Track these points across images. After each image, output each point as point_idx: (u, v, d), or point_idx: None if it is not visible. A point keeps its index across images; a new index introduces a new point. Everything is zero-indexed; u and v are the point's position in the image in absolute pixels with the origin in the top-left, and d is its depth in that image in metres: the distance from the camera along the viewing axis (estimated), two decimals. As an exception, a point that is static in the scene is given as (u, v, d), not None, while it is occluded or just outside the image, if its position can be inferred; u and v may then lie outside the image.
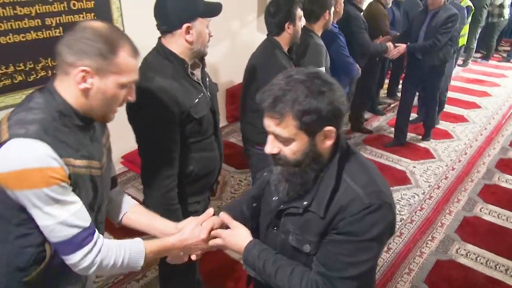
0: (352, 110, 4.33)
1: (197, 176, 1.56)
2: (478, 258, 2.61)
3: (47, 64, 2.70)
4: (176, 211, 1.50)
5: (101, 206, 1.21)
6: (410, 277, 2.44)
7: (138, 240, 1.15)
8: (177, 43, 1.43)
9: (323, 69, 2.42)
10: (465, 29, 4.62)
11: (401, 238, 2.77)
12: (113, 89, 1.04)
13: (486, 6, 6.28)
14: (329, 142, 1.00)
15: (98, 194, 1.14)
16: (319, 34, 2.46)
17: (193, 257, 1.28)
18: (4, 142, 0.94)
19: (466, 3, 4.54)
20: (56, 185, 0.97)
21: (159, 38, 1.50)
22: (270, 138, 1.01)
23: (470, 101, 5.33)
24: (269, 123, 0.98)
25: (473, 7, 4.76)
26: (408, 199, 3.20)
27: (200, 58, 1.55)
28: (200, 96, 1.48)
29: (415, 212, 3.05)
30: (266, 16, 2.15)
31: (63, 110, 1.02)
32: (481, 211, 3.11)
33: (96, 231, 1.07)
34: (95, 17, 2.81)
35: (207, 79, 1.59)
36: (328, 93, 0.94)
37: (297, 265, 1.07)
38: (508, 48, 7.88)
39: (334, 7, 2.60)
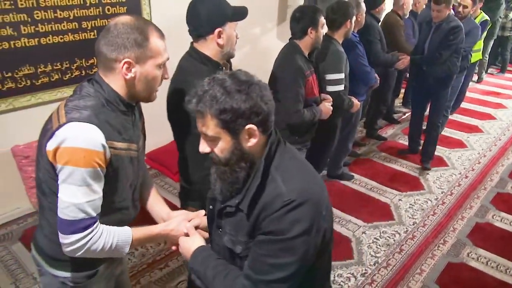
0: (367, 118, 4.43)
1: None
2: (489, 262, 2.67)
3: (81, 64, 2.87)
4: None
5: (137, 185, 1.32)
6: (422, 277, 2.52)
7: (126, 228, 1.21)
8: (210, 47, 1.55)
9: (342, 75, 2.54)
10: (479, 45, 4.65)
11: (413, 240, 2.84)
12: (152, 71, 1.16)
13: (500, 18, 6.24)
14: (253, 140, 0.99)
15: (135, 174, 1.26)
16: (340, 41, 2.59)
17: (173, 248, 1.30)
18: (63, 124, 1.07)
19: (482, 17, 4.58)
20: (93, 168, 1.07)
21: (191, 43, 1.62)
22: (202, 137, 1.04)
23: (485, 113, 5.37)
24: (197, 123, 1.01)
25: (490, 21, 4.80)
26: (421, 204, 3.27)
27: (228, 59, 1.68)
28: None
29: (428, 217, 3.12)
30: (291, 21, 2.30)
31: (110, 98, 1.15)
32: (493, 218, 3.17)
33: (98, 221, 1.14)
34: (127, 22, 2.99)
35: None
36: (245, 91, 0.95)
37: (232, 269, 1.05)
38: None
39: (356, 17, 2.72)
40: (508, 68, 7.51)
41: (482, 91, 6.26)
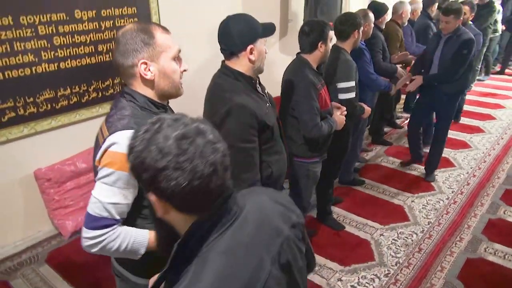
0: (372, 124, 4.53)
1: (275, 177, 1.74)
2: (506, 256, 2.74)
3: (98, 87, 2.96)
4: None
5: None
6: (443, 274, 2.58)
7: (144, 230, 1.24)
8: (242, 63, 1.62)
9: (353, 83, 2.64)
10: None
11: (430, 239, 2.91)
12: (169, 65, 1.21)
13: (490, 26, 6.08)
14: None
15: None
16: (349, 51, 2.69)
17: None
18: (106, 137, 1.14)
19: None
20: (126, 173, 1.11)
21: (223, 62, 1.70)
22: None
23: (485, 113, 5.50)
24: None
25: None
26: (433, 204, 3.34)
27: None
28: (267, 106, 1.68)
29: (442, 216, 3.19)
30: (300, 35, 2.36)
31: (143, 103, 1.21)
32: (504, 213, 3.24)
33: (119, 224, 1.18)
34: (139, 43, 3.10)
35: (266, 91, 1.79)
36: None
37: None
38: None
39: (363, 27, 2.83)
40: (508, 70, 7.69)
41: (480, 93, 6.40)
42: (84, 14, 2.75)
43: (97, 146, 1.20)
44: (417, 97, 3.93)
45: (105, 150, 1.13)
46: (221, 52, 1.68)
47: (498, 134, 4.80)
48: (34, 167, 2.78)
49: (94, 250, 1.17)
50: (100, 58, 2.93)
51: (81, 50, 2.80)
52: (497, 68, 7.80)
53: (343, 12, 4.64)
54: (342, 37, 2.65)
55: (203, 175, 0.74)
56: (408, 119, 3.78)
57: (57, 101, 2.77)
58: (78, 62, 2.81)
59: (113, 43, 2.96)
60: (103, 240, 1.15)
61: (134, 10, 3.02)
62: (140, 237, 1.22)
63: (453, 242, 2.89)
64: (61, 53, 2.71)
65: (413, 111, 3.85)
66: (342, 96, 2.61)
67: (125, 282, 1.36)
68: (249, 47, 1.58)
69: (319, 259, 2.69)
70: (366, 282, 2.51)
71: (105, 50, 2.93)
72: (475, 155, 4.25)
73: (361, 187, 3.63)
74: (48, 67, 2.67)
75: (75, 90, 2.85)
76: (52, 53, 2.66)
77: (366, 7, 3.77)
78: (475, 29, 4.16)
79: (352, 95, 2.61)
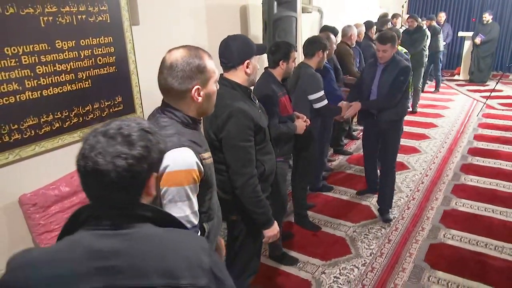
0: (332, 136, 4.91)
1: (267, 174, 1.96)
2: (462, 239, 3.13)
3: (78, 112, 3.06)
4: (263, 200, 1.86)
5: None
6: (412, 258, 2.91)
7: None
8: (239, 76, 1.87)
9: (322, 92, 2.97)
10: None
11: (397, 231, 3.25)
12: (213, 88, 1.41)
13: (424, 49, 6.49)
14: None
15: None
16: (314, 68, 3.04)
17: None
18: None
19: (401, 49, 4.71)
20: (193, 184, 1.29)
21: (221, 75, 1.91)
22: None
23: (428, 122, 6.11)
24: None
25: (408, 53, 4.98)
26: (395, 201, 3.69)
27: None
28: (260, 111, 1.93)
29: (404, 211, 3.56)
30: (267, 53, 2.68)
31: (185, 121, 1.37)
32: (456, 204, 3.67)
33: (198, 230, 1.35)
34: (116, 70, 3.26)
35: (256, 100, 2.03)
36: None
37: None
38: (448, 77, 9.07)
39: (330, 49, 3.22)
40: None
41: (420, 104, 7.06)
42: (64, 44, 2.88)
43: None
44: (362, 135, 3.80)
45: (162, 172, 1.23)
46: (221, 65, 1.91)
47: (442, 139, 5.37)
48: (19, 193, 2.80)
49: None
50: (80, 85, 3.04)
51: (62, 78, 2.91)
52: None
53: (297, 36, 5.07)
54: (308, 55, 3.01)
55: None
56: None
57: (40, 127, 2.83)
58: (60, 89, 2.91)
59: (92, 70, 3.11)
60: None
61: (110, 39, 3.19)
62: None
63: (417, 231, 3.24)
64: (43, 81, 2.80)
65: (363, 144, 3.73)
66: (316, 105, 2.94)
67: None
68: (246, 62, 1.84)
69: (302, 257, 2.92)
70: (347, 272, 2.76)
71: (84, 77, 3.06)
72: (425, 158, 4.74)
73: (330, 193, 3.93)
74: (32, 95, 2.75)
75: (57, 116, 2.93)
76: (35, 81, 2.75)
77: (314, 33, 4.21)
78: (400, 53, 4.25)
79: (324, 102, 2.95)
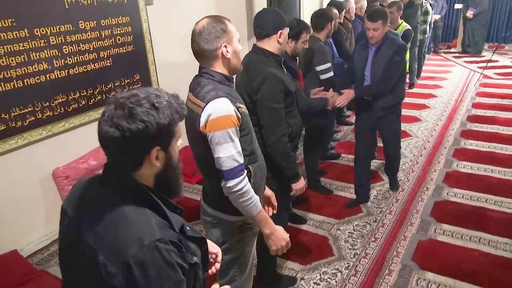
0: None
1: (294, 135, 2.17)
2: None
3: (102, 90, 3.24)
4: (292, 156, 2.07)
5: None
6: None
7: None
8: (271, 45, 2.03)
9: (329, 64, 3.15)
10: (406, 55, 4.43)
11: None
12: (238, 46, 1.60)
13: (418, 24, 6.26)
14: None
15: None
16: (323, 40, 3.21)
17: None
18: (204, 106, 1.48)
19: (404, 26, 4.50)
20: (234, 127, 1.49)
21: (254, 45, 2.09)
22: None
23: (427, 93, 6.31)
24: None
25: (412, 30, 4.61)
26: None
27: None
28: (288, 77, 2.12)
29: (409, 174, 3.79)
30: None
31: (220, 79, 1.58)
32: (457, 166, 3.91)
33: (245, 170, 1.52)
34: (134, 48, 3.42)
35: (284, 68, 2.20)
36: None
37: None
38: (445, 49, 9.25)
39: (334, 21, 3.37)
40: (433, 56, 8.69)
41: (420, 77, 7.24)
42: (87, 24, 3.04)
43: (196, 115, 1.50)
44: (355, 121, 3.37)
45: (207, 120, 1.46)
46: (255, 35, 2.07)
47: (441, 109, 5.60)
48: (52, 166, 3.01)
49: (236, 194, 1.51)
50: (102, 64, 3.22)
51: (86, 57, 3.08)
52: None
53: (301, 12, 5.21)
54: (318, 28, 3.17)
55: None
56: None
57: (68, 105, 3.02)
58: (84, 68, 3.08)
59: (112, 49, 3.27)
60: (244, 186, 1.50)
61: (128, 19, 3.34)
62: (259, 201, 1.58)
63: (422, 191, 3.49)
64: (69, 61, 2.97)
65: (356, 141, 3.31)
66: (322, 76, 3.11)
67: (220, 224, 1.71)
68: (279, 32, 2.02)
69: (318, 217, 3.16)
70: (360, 228, 3.00)
71: (105, 56, 3.23)
72: (426, 126, 4.96)
73: (338, 160, 4.16)
74: (60, 74, 2.92)
75: (83, 94, 3.11)
76: (62, 61, 2.93)
77: (315, 8, 4.34)
78: (393, 32, 3.51)
79: (330, 74, 3.13)
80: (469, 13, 8.58)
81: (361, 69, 3.02)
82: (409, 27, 4.52)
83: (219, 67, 1.59)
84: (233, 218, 1.69)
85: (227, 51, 1.55)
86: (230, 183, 1.51)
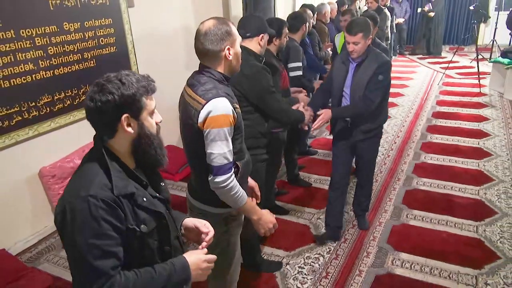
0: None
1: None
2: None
3: (86, 90, 3.29)
4: (295, 113, 2.47)
5: None
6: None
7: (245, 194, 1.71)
8: (253, 45, 2.21)
9: (300, 63, 3.35)
10: None
11: (377, 182, 3.70)
12: (238, 48, 1.72)
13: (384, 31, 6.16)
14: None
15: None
16: (298, 41, 3.41)
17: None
18: (205, 104, 1.58)
19: None
20: (230, 127, 1.60)
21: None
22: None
23: (395, 92, 6.65)
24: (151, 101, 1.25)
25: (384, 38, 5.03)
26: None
27: None
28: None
29: (381, 166, 4.04)
30: None
31: (219, 78, 1.68)
32: (425, 158, 4.20)
33: (233, 167, 1.62)
34: (116, 49, 3.50)
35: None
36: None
37: None
38: (410, 52, 9.75)
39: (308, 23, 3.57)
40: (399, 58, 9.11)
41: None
42: (71, 26, 3.10)
43: (194, 110, 1.60)
44: (332, 142, 2.98)
45: (206, 117, 1.55)
46: (240, 34, 2.20)
47: (409, 106, 5.94)
48: (38, 166, 3.04)
49: (224, 190, 1.61)
50: (86, 64, 3.28)
51: (70, 58, 3.14)
52: None
53: (275, 16, 5.41)
54: (294, 29, 3.36)
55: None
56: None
57: (54, 105, 3.07)
58: (69, 68, 3.14)
59: (95, 50, 3.33)
60: (231, 182, 1.60)
61: (110, 21, 3.42)
62: (244, 194, 1.69)
63: (394, 181, 3.74)
64: (55, 61, 3.02)
65: (333, 163, 2.95)
66: (292, 73, 3.29)
67: (207, 216, 1.71)
68: (261, 35, 2.20)
69: (299, 208, 3.33)
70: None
71: (89, 57, 3.29)
72: (395, 122, 5.25)
73: (315, 156, 4.36)
74: (45, 74, 2.97)
75: (68, 94, 3.17)
76: (48, 61, 2.97)
77: (288, 12, 4.53)
78: (382, 45, 3.78)
79: (299, 72, 3.32)
80: (426, 7, 9.10)
81: (339, 85, 2.70)
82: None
83: (220, 67, 1.68)
84: (219, 211, 1.78)
85: (229, 54, 1.65)
86: (218, 179, 1.61)
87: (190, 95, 1.66)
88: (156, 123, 1.25)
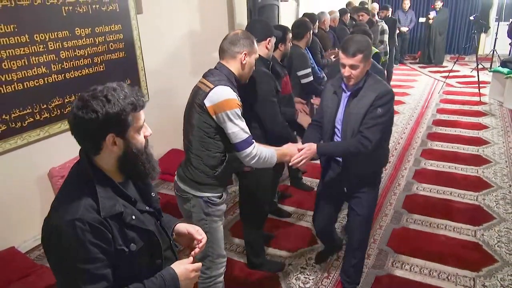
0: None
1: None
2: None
3: (95, 93, 3.39)
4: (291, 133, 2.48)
5: None
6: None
7: (271, 147, 1.95)
8: (261, 50, 2.31)
9: (309, 69, 3.44)
10: None
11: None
12: (253, 62, 1.95)
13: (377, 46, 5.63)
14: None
15: None
16: (303, 48, 3.50)
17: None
18: (213, 88, 1.78)
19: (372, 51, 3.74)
20: (239, 108, 1.80)
21: None
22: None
23: (396, 100, 6.72)
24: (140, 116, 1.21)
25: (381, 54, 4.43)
26: None
27: None
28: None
29: (382, 172, 4.10)
30: None
31: (229, 75, 1.89)
32: (425, 165, 4.28)
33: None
34: (125, 55, 3.60)
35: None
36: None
37: None
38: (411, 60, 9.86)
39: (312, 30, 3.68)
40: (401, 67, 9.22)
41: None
42: (82, 31, 3.20)
43: (202, 92, 1.81)
44: (317, 191, 2.58)
45: (216, 103, 1.76)
46: None
47: (409, 114, 6.04)
48: (48, 166, 3.13)
49: (254, 160, 1.84)
50: (96, 69, 3.38)
51: (81, 62, 3.24)
52: None
53: (279, 23, 5.52)
54: (298, 37, 3.46)
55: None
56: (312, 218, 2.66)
57: (64, 107, 3.16)
58: (80, 72, 3.24)
59: (105, 55, 3.43)
60: (258, 152, 1.83)
61: (120, 27, 3.53)
62: (270, 151, 1.91)
63: (394, 186, 3.81)
64: (66, 65, 3.12)
65: (315, 205, 2.54)
66: (303, 81, 3.39)
67: (189, 199, 1.91)
68: (268, 39, 2.33)
69: (301, 211, 3.40)
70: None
71: (99, 61, 3.39)
72: (396, 129, 5.33)
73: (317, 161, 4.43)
74: (57, 77, 3.07)
75: (78, 97, 3.25)
76: (60, 65, 3.07)
77: (291, 20, 4.64)
78: (375, 49, 3.61)
79: (310, 78, 3.41)
80: (430, 15, 9.30)
81: (330, 118, 2.19)
82: (377, 50, 4.16)
83: (233, 67, 1.90)
84: (199, 194, 1.90)
85: (244, 59, 1.89)
86: (245, 153, 1.81)
87: (202, 82, 1.87)
88: (145, 137, 1.21)
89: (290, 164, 2.08)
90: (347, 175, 2.24)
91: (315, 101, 3.08)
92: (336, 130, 2.21)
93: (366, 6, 7.39)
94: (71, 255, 1.04)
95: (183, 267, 1.27)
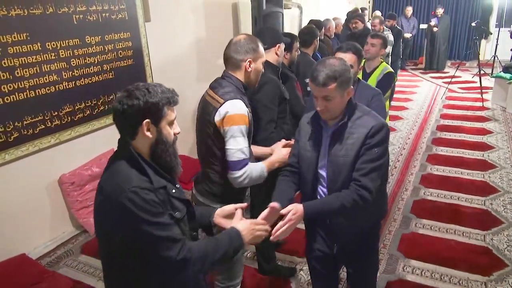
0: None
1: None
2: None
3: (104, 100, 3.41)
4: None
5: None
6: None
7: (259, 163, 1.86)
8: (270, 56, 2.32)
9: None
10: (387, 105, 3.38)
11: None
12: (260, 67, 1.87)
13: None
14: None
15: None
16: (311, 54, 3.54)
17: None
18: (223, 103, 1.74)
19: (384, 68, 3.26)
20: (245, 125, 1.75)
21: None
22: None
23: (400, 106, 6.78)
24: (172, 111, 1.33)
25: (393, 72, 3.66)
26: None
27: None
28: (283, 87, 2.39)
29: (389, 177, 4.11)
30: None
31: (238, 85, 1.84)
32: (431, 170, 4.29)
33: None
34: (133, 62, 3.63)
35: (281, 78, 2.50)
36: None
37: None
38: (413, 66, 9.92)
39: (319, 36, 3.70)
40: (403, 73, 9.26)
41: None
42: (92, 39, 3.24)
43: (213, 108, 1.76)
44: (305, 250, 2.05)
45: (224, 116, 1.71)
46: None
47: (413, 119, 6.06)
48: (58, 173, 3.14)
49: (245, 182, 1.77)
50: (105, 76, 3.41)
51: (91, 70, 3.27)
52: None
53: (284, 31, 5.57)
54: (306, 44, 3.49)
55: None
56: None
57: (75, 114, 3.18)
58: (90, 80, 3.27)
59: (114, 63, 3.47)
60: (249, 174, 1.75)
61: (128, 35, 3.56)
62: (260, 166, 1.84)
63: (401, 191, 3.82)
64: (76, 73, 3.15)
65: (311, 278, 2.09)
66: (310, 88, 3.41)
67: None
68: (277, 45, 2.32)
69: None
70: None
71: (108, 69, 3.42)
72: (401, 135, 5.36)
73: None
74: (68, 85, 3.10)
75: (88, 104, 3.29)
76: (70, 72, 3.10)
77: (294, 27, 4.68)
78: (367, 86, 2.53)
79: (318, 85, 3.43)
80: (432, 22, 9.35)
81: (311, 165, 1.73)
82: (391, 69, 3.31)
83: (240, 76, 1.85)
84: (219, 206, 1.84)
85: (249, 66, 1.82)
86: (236, 174, 1.76)
87: (211, 95, 1.82)
88: (174, 134, 1.34)
89: (271, 238, 1.58)
90: (338, 229, 1.76)
91: None
92: (319, 178, 1.73)
93: (361, 13, 6.89)
94: (144, 215, 1.18)
95: (242, 223, 1.47)
